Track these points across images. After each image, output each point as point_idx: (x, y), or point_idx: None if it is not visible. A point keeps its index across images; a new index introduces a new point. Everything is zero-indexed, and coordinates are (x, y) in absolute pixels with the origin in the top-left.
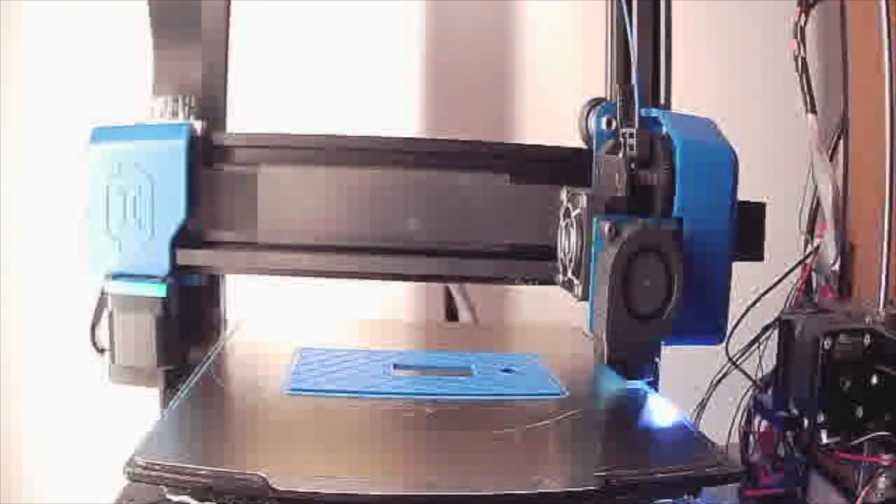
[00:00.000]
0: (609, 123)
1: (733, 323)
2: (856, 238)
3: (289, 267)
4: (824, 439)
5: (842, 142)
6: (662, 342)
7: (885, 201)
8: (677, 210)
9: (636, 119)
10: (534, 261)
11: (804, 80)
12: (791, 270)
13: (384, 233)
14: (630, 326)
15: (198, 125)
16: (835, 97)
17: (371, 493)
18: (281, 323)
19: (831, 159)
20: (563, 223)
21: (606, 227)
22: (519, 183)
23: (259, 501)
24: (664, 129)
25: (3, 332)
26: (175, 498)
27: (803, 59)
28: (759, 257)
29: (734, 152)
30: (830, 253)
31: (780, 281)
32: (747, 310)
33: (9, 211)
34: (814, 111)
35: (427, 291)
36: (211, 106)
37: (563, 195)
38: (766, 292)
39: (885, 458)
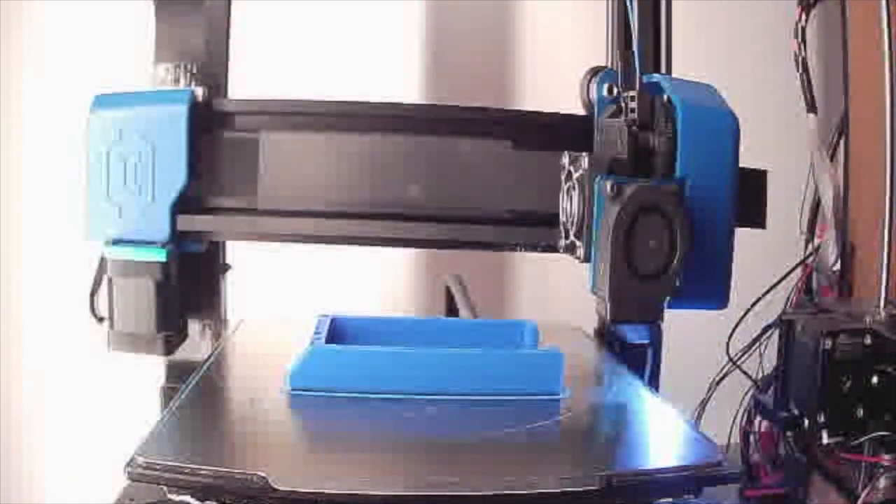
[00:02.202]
0: (610, 90)
1: (734, 323)
2: (856, 238)
3: (289, 232)
4: (825, 439)
5: (842, 142)
6: (666, 304)
7: (885, 201)
8: (679, 173)
9: (637, 83)
10: (535, 227)
11: (804, 80)
12: (791, 270)
13: (385, 199)
14: (632, 285)
15: (199, 91)
16: (835, 97)
17: (371, 492)
18: (281, 323)
19: (831, 159)
20: (564, 186)
21: (608, 185)
22: (520, 149)
23: (259, 501)
24: (665, 95)
25: (2, 331)
26: (176, 497)
27: (804, 58)
28: (761, 224)
29: (735, 117)
30: (831, 253)
31: (780, 281)
32: (748, 310)
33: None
34: (814, 111)
35: (427, 291)
36: (212, 72)
37: (565, 159)
38: (766, 292)
39: (886, 458)
